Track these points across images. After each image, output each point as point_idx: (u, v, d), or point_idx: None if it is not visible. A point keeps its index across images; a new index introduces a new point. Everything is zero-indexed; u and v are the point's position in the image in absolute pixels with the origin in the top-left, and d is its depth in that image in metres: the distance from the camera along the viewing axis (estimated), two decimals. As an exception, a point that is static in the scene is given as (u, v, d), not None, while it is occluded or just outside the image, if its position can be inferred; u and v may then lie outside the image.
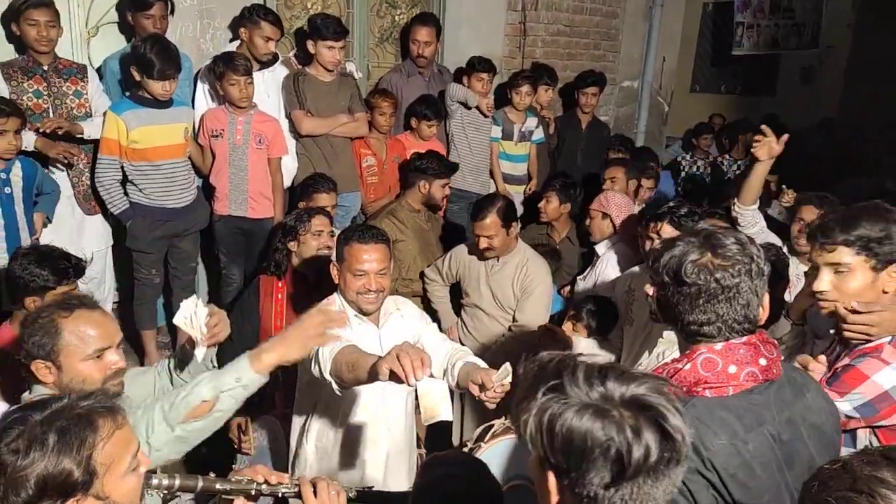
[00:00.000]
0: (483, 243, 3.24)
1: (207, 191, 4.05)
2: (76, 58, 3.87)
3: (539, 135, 5.17)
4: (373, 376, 1.90)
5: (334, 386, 2.12)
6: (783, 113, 6.71)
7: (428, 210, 4.15)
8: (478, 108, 4.79)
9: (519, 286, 3.29)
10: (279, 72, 4.22)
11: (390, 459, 2.54)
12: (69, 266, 2.68)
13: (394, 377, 1.79)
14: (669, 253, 1.53)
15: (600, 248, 3.73)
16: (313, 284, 3.16)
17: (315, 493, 1.48)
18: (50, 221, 3.64)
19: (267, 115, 4.02)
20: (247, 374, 1.65)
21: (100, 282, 3.95)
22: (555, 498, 1.08)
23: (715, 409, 1.45)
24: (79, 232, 3.82)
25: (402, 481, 2.58)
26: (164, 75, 3.56)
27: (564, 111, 5.75)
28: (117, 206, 3.73)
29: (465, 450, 2.45)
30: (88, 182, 3.82)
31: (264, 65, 4.12)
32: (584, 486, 1.02)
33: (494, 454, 2.40)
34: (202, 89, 4.04)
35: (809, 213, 3.38)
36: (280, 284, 3.21)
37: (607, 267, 3.59)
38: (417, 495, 1.64)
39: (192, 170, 3.93)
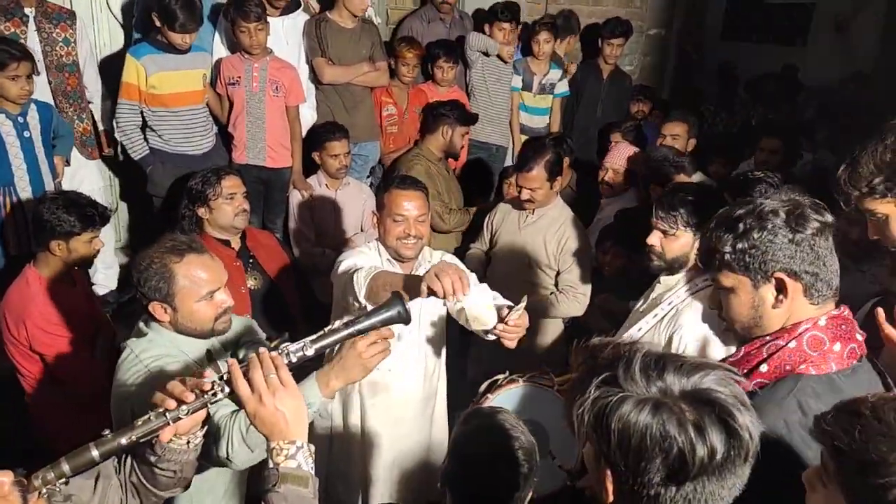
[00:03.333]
0: (525, 195, 3.18)
1: (226, 140, 4.07)
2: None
3: (563, 88, 5.08)
4: (412, 296, 1.97)
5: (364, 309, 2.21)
6: (815, 64, 6.53)
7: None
8: (499, 56, 4.73)
9: (555, 244, 3.25)
10: (300, 18, 4.19)
11: (418, 392, 2.62)
12: (95, 213, 2.77)
13: (433, 295, 1.86)
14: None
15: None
16: (238, 250, 3.08)
17: (250, 382, 1.28)
18: (68, 164, 3.71)
19: (283, 61, 4.00)
20: (317, 400, 1.70)
21: None
22: (612, 495, 1.03)
23: (824, 392, 1.42)
24: (74, 176, 3.85)
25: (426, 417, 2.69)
26: (186, 29, 3.57)
27: (585, 59, 5.63)
28: (137, 151, 3.77)
29: (473, 401, 2.54)
30: (85, 127, 3.85)
31: (284, 11, 4.09)
32: (644, 485, 0.98)
33: (500, 404, 2.47)
34: (219, 36, 4.03)
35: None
36: None
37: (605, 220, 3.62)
38: (456, 444, 1.70)
39: (210, 117, 3.96)
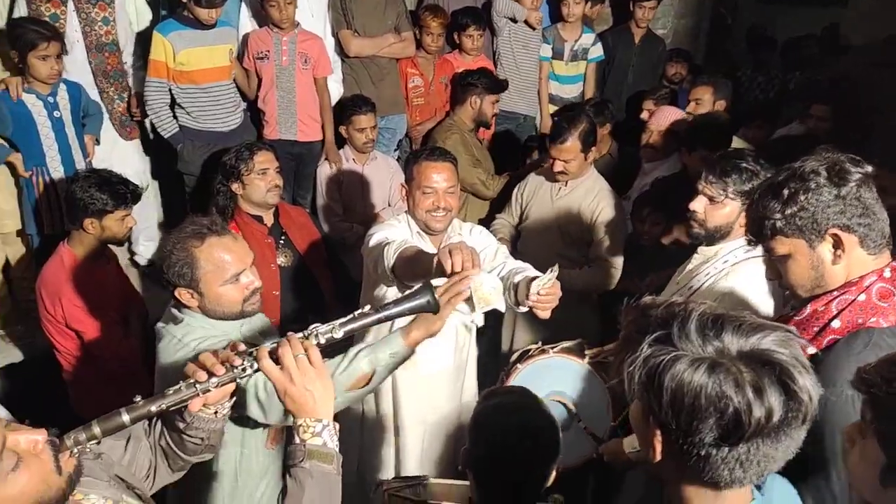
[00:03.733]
0: (559, 167, 3.11)
1: (254, 116, 4.06)
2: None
3: (597, 52, 4.93)
4: (426, 272, 1.96)
5: (391, 281, 2.22)
6: (855, 24, 6.27)
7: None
8: (526, 22, 4.62)
9: (589, 216, 3.17)
10: (323, -10, 4.14)
11: (449, 364, 2.62)
12: (127, 191, 2.80)
13: (442, 272, 1.84)
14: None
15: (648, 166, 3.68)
16: (271, 227, 3.10)
17: (280, 361, 1.32)
18: (98, 143, 3.73)
19: (310, 33, 3.97)
20: (401, 349, 1.74)
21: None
22: (659, 455, 1.03)
23: None
24: (111, 155, 3.84)
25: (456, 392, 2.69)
26: (212, 4, 3.56)
27: (615, 24, 5.49)
28: (167, 129, 3.78)
29: (503, 372, 2.53)
30: (123, 106, 3.86)
31: (309, -18, 4.04)
32: (694, 445, 0.97)
33: (530, 375, 2.47)
34: (245, 11, 4.00)
35: None
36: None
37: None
38: (477, 424, 1.68)
39: (237, 93, 3.95)
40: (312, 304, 3.12)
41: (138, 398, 1.31)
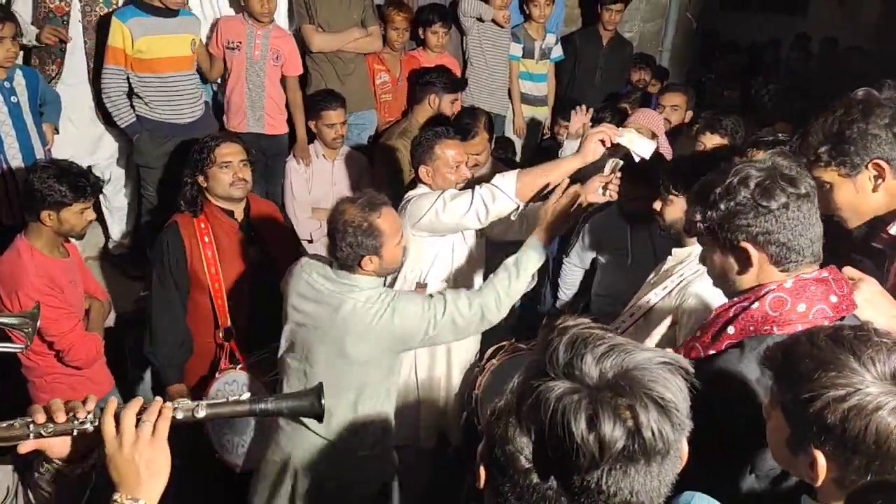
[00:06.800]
0: (473, 161, 3.21)
1: (215, 108, 3.97)
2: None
3: (558, 52, 5.01)
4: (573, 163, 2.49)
5: (514, 207, 2.55)
6: (816, 33, 6.44)
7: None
8: (494, 20, 4.62)
9: None
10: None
11: None
12: (87, 184, 2.72)
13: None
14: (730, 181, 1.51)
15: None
16: (241, 222, 2.98)
17: (119, 422, 1.20)
18: (57, 132, 3.62)
19: (283, 30, 3.93)
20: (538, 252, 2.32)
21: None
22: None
23: None
24: (97, 143, 3.77)
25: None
26: None
27: (584, 26, 5.54)
28: (124, 119, 3.62)
29: (478, 368, 2.54)
30: None
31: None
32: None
33: (505, 370, 2.49)
34: None
35: None
36: (202, 226, 2.90)
37: None
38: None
39: (199, 84, 3.84)
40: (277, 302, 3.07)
41: None
